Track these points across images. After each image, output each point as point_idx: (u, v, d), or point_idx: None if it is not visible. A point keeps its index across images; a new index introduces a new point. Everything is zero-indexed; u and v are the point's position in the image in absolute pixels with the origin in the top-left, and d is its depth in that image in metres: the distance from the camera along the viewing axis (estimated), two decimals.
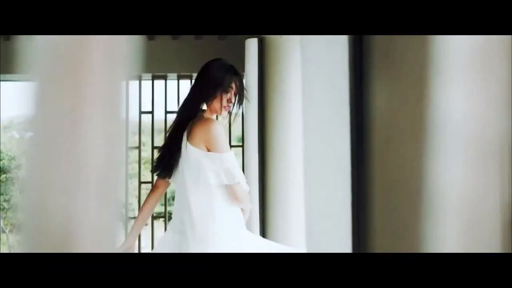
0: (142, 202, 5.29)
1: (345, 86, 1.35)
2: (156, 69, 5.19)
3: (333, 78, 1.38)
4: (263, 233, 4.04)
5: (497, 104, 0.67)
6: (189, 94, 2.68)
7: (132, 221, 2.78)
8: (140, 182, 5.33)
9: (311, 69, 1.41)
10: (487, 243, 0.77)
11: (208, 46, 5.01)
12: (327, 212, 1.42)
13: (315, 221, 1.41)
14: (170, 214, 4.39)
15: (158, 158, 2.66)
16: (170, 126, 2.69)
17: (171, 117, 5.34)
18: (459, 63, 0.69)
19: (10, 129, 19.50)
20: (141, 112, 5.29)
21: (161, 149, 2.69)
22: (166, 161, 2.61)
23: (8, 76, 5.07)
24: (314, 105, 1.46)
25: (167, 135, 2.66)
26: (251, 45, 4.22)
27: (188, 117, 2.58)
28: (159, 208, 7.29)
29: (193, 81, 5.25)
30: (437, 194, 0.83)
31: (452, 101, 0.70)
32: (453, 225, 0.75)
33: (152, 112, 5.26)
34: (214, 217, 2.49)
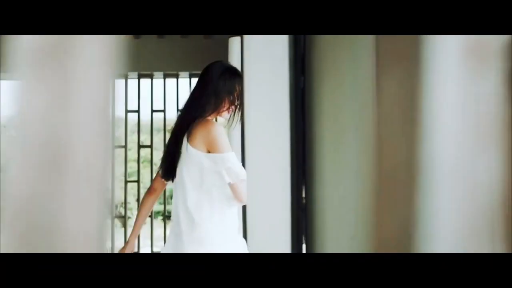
0: (128, 200, 5.30)
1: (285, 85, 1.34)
2: (142, 67, 5.19)
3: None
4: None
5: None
6: (190, 97, 2.64)
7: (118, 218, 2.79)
8: (126, 181, 5.33)
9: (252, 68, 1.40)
10: None
11: (193, 45, 5.02)
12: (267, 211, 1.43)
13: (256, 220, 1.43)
14: (169, 212, 4.33)
15: (161, 161, 2.65)
16: (172, 128, 2.67)
17: (157, 116, 5.35)
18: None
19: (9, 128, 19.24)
20: (127, 111, 5.29)
21: (163, 152, 2.69)
22: (168, 163, 2.59)
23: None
24: (255, 104, 1.44)
25: (169, 138, 2.64)
26: (234, 44, 4.22)
27: (190, 120, 2.56)
28: (159, 207, 7.26)
29: (179, 79, 5.28)
30: None
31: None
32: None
33: (138, 111, 5.26)
34: (212, 220, 2.47)
